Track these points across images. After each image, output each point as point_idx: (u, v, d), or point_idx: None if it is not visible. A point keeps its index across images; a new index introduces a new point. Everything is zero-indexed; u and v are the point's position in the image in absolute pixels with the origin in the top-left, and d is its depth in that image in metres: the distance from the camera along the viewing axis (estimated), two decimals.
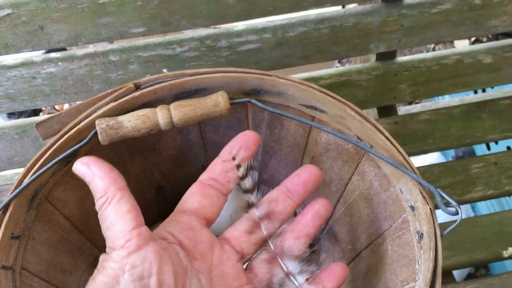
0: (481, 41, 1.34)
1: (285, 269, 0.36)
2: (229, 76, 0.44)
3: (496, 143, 0.93)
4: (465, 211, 0.87)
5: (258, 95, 0.45)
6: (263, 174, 0.55)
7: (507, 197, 0.81)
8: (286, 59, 0.59)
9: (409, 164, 0.39)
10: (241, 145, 0.38)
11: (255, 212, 0.37)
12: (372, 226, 0.46)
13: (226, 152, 0.39)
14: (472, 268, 0.99)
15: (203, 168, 0.55)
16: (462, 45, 1.28)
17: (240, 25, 0.57)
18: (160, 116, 0.41)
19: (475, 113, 0.65)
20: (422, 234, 0.37)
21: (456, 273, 0.83)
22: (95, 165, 0.33)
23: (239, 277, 0.35)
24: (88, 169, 0.33)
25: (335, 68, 0.65)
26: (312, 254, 0.46)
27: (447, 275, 0.59)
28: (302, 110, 0.45)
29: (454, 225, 0.36)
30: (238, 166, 0.38)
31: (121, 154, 0.48)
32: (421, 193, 0.38)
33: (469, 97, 0.68)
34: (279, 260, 0.36)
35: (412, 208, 0.39)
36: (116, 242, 0.30)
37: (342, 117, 0.43)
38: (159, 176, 0.52)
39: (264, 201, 0.38)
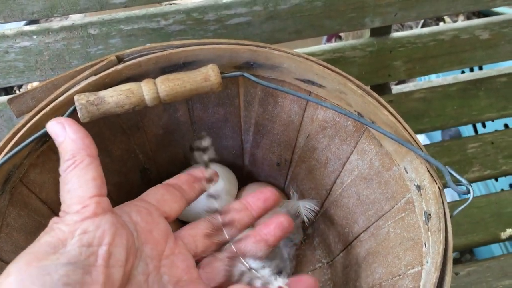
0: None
1: (247, 265, 0.34)
2: (220, 48, 0.40)
3: (484, 126, 0.91)
4: (450, 195, 0.85)
5: (250, 69, 0.42)
6: (255, 154, 0.52)
7: (493, 180, 0.79)
8: (277, 33, 0.56)
9: (415, 141, 0.36)
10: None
11: (218, 218, 0.37)
12: (372, 207, 0.43)
13: (196, 170, 0.40)
14: (458, 253, 0.97)
15: (191, 149, 0.52)
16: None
17: None
18: (146, 90, 0.38)
19: (472, 91, 0.63)
20: (429, 214, 0.35)
21: None
22: (71, 127, 0.31)
23: (190, 272, 0.34)
24: (62, 129, 0.31)
25: (328, 44, 0.62)
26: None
27: None
28: (298, 85, 0.42)
29: (465, 204, 0.33)
30: (206, 166, 0.39)
31: (103, 133, 0.44)
32: (428, 171, 0.35)
33: (464, 75, 0.66)
34: (241, 258, 0.35)
35: (418, 187, 0.36)
36: (72, 207, 0.29)
37: (342, 91, 0.40)
38: (144, 158, 0.49)
39: (227, 209, 0.37)
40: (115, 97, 0.38)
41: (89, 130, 0.43)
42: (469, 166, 0.60)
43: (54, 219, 0.29)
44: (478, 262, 0.55)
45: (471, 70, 0.80)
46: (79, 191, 0.29)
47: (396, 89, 0.67)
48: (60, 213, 0.29)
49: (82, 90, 0.38)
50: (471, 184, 0.86)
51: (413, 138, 0.36)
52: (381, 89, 0.65)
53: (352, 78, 0.39)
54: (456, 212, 0.34)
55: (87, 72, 0.39)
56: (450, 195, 0.83)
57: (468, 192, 0.33)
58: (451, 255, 0.32)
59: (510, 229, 0.57)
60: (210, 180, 0.39)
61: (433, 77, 0.88)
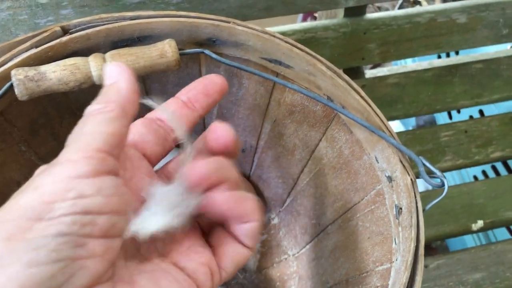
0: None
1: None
2: (179, 22, 0.37)
3: (458, 111, 0.89)
4: (423, 183, 0.84)
5: (213, 46, 0.39)
6: None
7: (467, 169, 0.78)
8: (246, 9, 0.52)
9: (388, 128, 0.33)
10: (202, 90, 0.31)
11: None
12: (341, 198, 0.41)
13: (184, 94, 0.31)
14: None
15: None
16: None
17: None
18: (93, 66, 0.34)
19: (446, 78, 0.61)
20: (400, 208, 0.32)
21: None
22: (127, 75, 0.26)
23: None
24: (119, 73, 0.26)
25: (299, 24, 0.58)
26: None
27: None
28: (264, 65, 0.39)
29: (439, 198, 0.31)
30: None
31: (48, 113, 0.40)
32: (400, 161, 0.33)
33: (440, 60, 0.64)
34: None
35: (390, 178, 0.34)
36: (69, 154, 0.22)
37: (310, 73, 0.37)
38: None
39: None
40: (58, 72, 0.34)
41: (32, 109, 0.39)
42: (442, 155, 0.58)
43: (41, 168, 0.23)
44: (449, 254, 0.53)
45: (447, 55, 0.78)
46: (88, 138, 0.22)
47: (369, 73, 0.64)
48: (54, 161, 0.23)
49: (21, 63, 0.34)
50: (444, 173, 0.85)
51: (385, 125, 0.33)
52: (355, 73, 0.62)
53: (322, 59, 0.36)
54: (429, 206, 0.31)
55: (27, 44, 0.35)
56: (423, 185, 0.81)
57: (443, 185, 0.30)
58: (422, 253, 0.29)
59: (481, 221, 0.55)
60: None
61: (408, 61, 0.86)
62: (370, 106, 0.34)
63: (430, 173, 0.32)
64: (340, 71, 0.36)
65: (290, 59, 0.37)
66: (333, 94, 0.36)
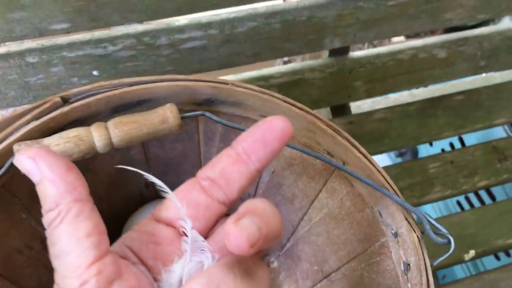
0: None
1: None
2: (178, 85, 0.37)
3: (431, 144, 0.91)
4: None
5: (211, 105, 0.39)
6: None
7: (453, 199, 0.80)
8: (235, 57, 0.53)
9: (391, 186, 0.34)
10: (260, 137, 0.26)
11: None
12: (344, 248, 0.41)
13: (239, 143, 0.27)
14: None
15: (146, 186, 0.48)
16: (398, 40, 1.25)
17: (182, 20, 0.50)
18: (97, 136, 0.34)
19: (430, 110, 0.63)
20: (408, 265, 0.33)
21: None
22: (46, 161, 0.23)
23: None
24: (36, 166, 0.23)
25: (286, 66, 0.59)
26: None
27: None
28: None
29: (446, 255, 0.32)
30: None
31: None
32: (406, 218, 0.33)
33: (421, 91, 0.65)
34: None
35: (395, 234, 0.35)
36: (67, 282, 0.22)
37: (310, 130, 0.37)
38: (96, 200, 0.45)
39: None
40: (61, 145, 0.33)
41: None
42: (431, 187, 0.60)
43: None
44: (444, 287, 0.54)
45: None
46: (73, 257, 0.22)
47: (354, 106, 0.65)
48: (55, 286, 0.23)
49: (23, 137, 0.34)
50: (423, 207, 0.87)
51: (388, 183, 0.34)
52: (342, 110, 0.63)
53: (320, 116, 0.37)
54: (436, 262, 0.32)
55: (28, 117, 0.35)
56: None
57: (449, 242, 0.31)
58: None
59: (473, 251, 0.57)
60: None
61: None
62: (371, 163, 0.35)
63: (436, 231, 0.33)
64: (339, 128, 0.37)
65: (289, 117, 0.38)
66: (333, 150, 0.37)
